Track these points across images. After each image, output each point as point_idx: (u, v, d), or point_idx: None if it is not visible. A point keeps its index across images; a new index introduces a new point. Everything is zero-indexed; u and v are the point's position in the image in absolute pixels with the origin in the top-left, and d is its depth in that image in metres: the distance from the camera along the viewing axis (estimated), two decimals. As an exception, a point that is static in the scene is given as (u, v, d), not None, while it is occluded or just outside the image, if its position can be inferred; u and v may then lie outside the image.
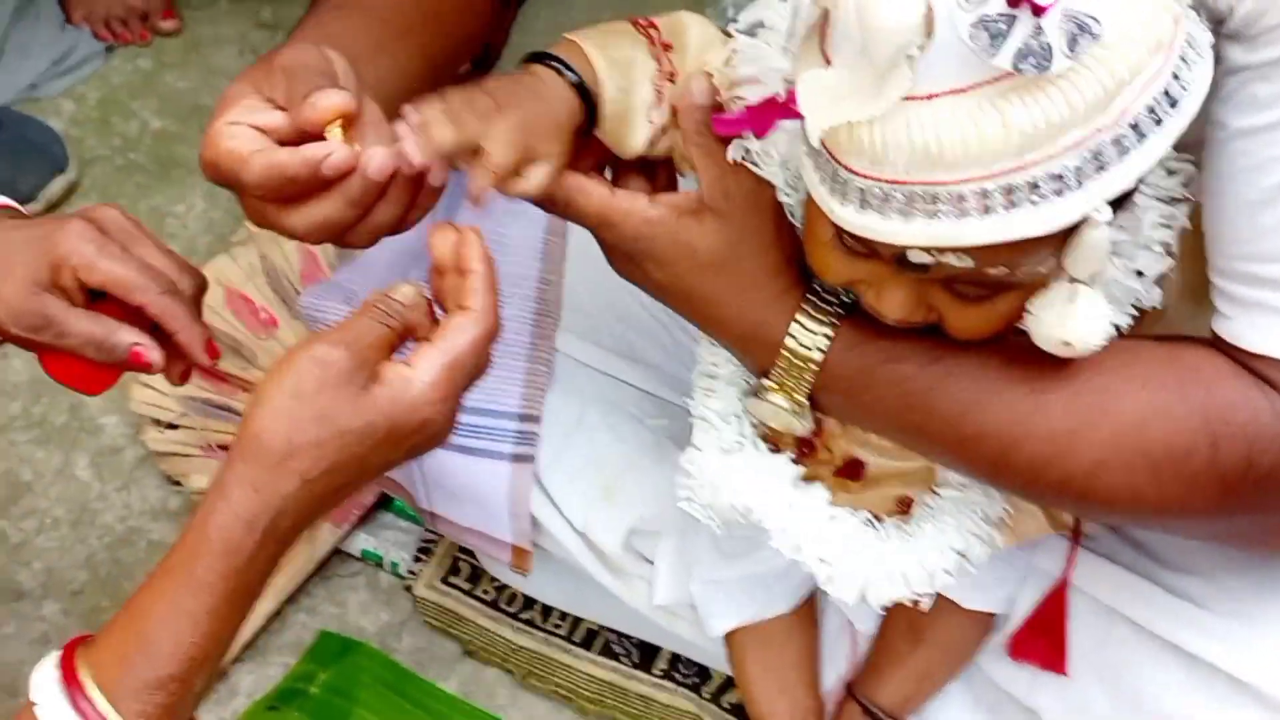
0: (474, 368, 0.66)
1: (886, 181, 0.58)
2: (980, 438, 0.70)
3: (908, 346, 0.71)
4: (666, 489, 0.84)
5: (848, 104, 0.57)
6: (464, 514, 1.02)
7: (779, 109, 0.66)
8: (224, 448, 1.33)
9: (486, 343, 0.66)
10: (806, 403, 0.74)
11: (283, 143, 0.66)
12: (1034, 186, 0.57)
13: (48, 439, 1.38)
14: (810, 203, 0.65)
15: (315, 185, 0.65)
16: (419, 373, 0.63)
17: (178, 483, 1.33)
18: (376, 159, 0.65)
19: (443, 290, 0.68)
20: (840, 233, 0.64)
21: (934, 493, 0.81)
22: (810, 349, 0.72)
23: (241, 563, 0.61)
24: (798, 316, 0.72)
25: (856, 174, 0.59)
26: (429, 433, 0.65)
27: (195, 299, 0.77)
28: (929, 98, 0.56)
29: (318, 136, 0.66)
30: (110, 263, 0.72)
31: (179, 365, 0.76)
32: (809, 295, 0.72)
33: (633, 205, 0.71)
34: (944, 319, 0.67)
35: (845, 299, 0.72)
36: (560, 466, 0.98)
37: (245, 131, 0.67)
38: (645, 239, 0.72)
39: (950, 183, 0.57)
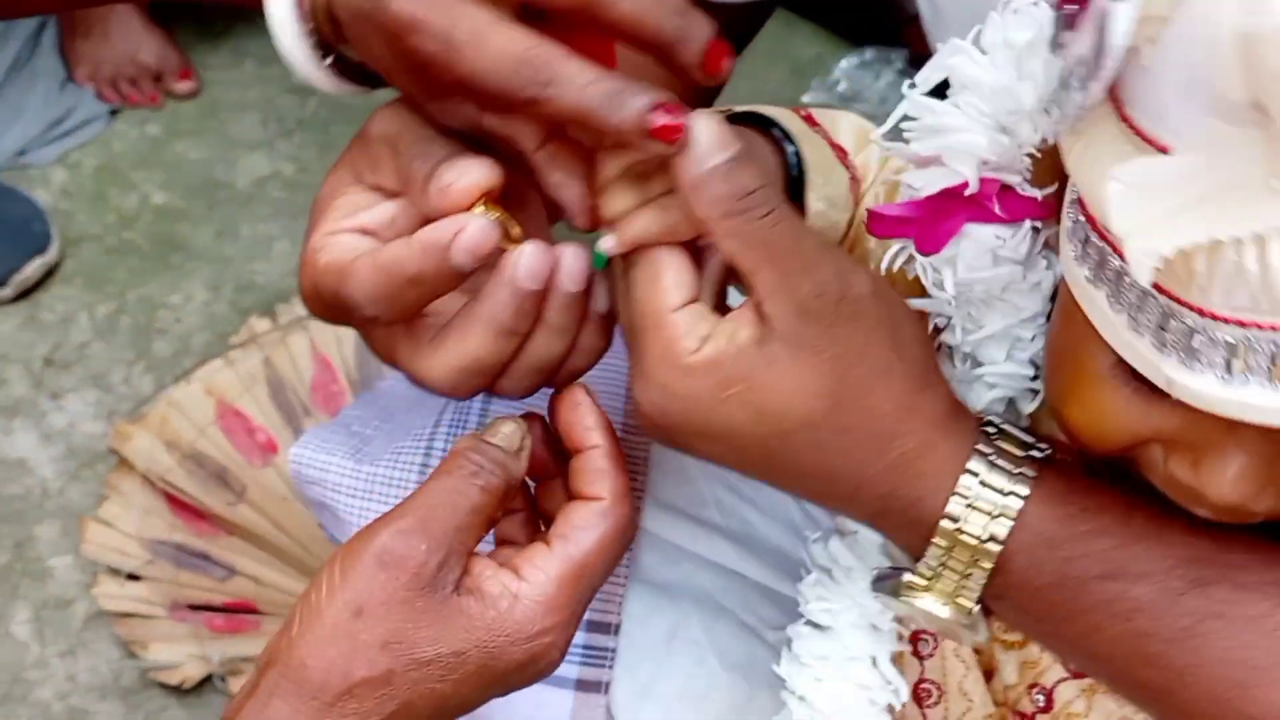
0: (601, 578, 0.50)
1: None
2: None
3: (1153, 539, 0.47)
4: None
5: (1218, 212, 0.34)
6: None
7: (967, 208, 0.47)
8: (198, 607, 1.04)
9: (619, 543, 0.51)
10: (976, 609, 0.50)
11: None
12: None
13: (-17, 582, 1.10)
14: (1068, 323, 0.44)
15: (448, 285, 0.47)
16: (532, 586, 0.48)
17: (134, 652, 1.04)
18: (528, 256, 0.46)
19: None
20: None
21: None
22: (980, 532, 0.48)
23: None
24: (963, 482, 0.48)
25: (1224, 320, 0.37)
26: (539, 667, 0.49)
27: None
28: None
29: None
30: None
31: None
32: (982, 442, 0.48)
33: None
34: None
35: (1036, 447, 0.49)
36: (644, 699, 0.69)
37: (349, 239, 0.49)
38: (673, 402, 0.47)
39: None
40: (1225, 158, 0.34)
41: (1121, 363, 0.42)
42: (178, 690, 1.03)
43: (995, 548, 0.47)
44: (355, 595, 0.47)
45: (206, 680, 1.04)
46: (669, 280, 0.47)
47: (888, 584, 0.52)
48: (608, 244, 0.48)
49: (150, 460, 1.10)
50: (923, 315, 0.51)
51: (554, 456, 0.52)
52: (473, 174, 0.47)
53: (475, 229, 0.45)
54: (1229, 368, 0.38)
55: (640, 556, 0.71)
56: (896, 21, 1.42)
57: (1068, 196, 0.43)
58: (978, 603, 0.50)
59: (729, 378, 0.46)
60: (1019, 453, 0.48)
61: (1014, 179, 0.49)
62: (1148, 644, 0.47)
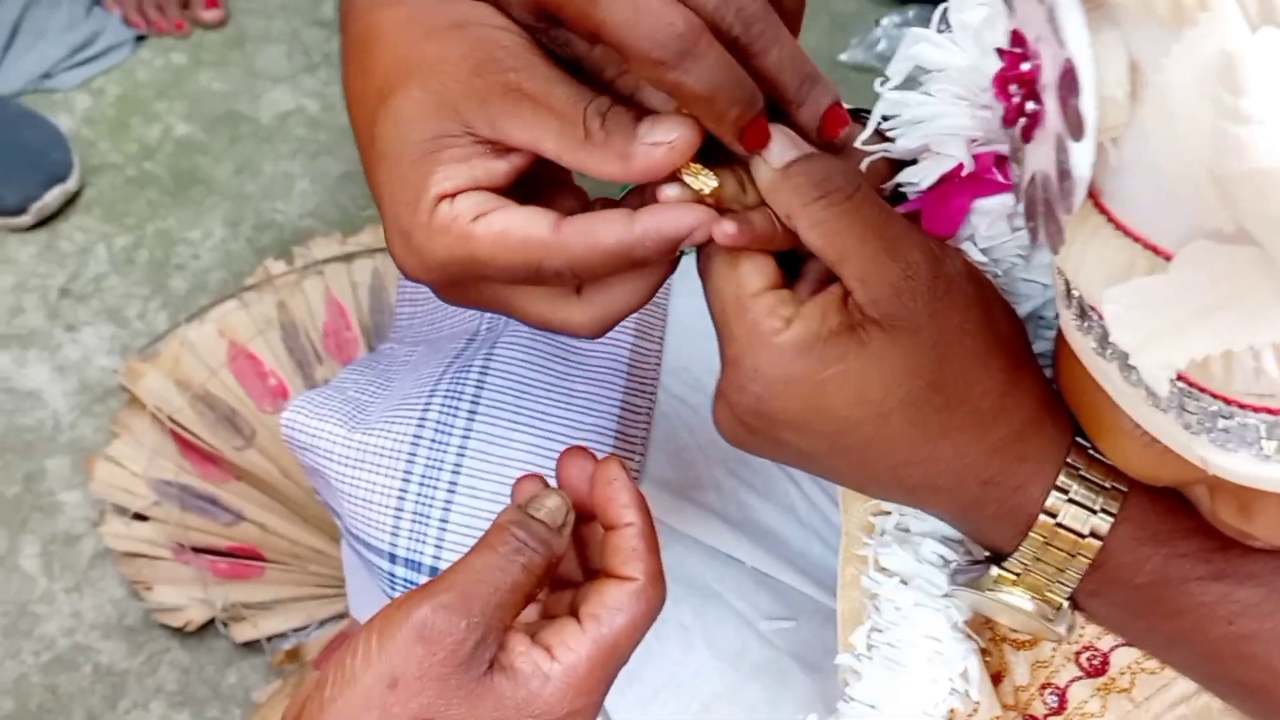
0: (628, 658, 0.50)
1: None
2: None
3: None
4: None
5: (1228, 323, 0.31)
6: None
7: (970, 186, 0.45)
8: (202, 550, 1.04)
9: (648, 625, 0.50)
10: (1066, 604, 0.49)
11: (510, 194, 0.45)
12: None
13: (-7, 514, 1.10)
14: (1081, 372, 0.40)
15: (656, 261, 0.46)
16: (564, 668, 0.47)
17: (138, 593, 1.04)
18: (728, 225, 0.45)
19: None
20: None
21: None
22: (1080, 527, 0.46)
23: None
24: (1063, 477, 0.46)
25: (1250, 408, 0.35)
26: None
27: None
28: None
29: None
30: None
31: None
32: (1079, 440, 0.46)
33: (769, 321, 0.45)
34: None
35: None
36: (630, 683, 0.67)
37: (468, 204, 0.44)
38: (769, 388, 0.45)
39: None
40: (1227, 272, 0.31)
41: None
42: (180, 632, 1.03)
43: (1095, 543, 0.46)
44: (391, 667, 0.46)
45: (209, 624, 1.04)
46: (746, 266, 0.46)
47: (969, 578, 0.50)
48: (724, 229, 0.45)
49: (160, 399, 1.09)
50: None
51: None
52: (686, 135, 0.44)
53: (730, 228, 0.45)
54: (1261, 448, 0.35)
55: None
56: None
57: (1054, 262, 0.40)
58: (1068, 598, 0.48)
59: (824, 359, 0.44)
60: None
61: (1005, 148, 0.46)
62: (1250, 645, 0.46)
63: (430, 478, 0.67)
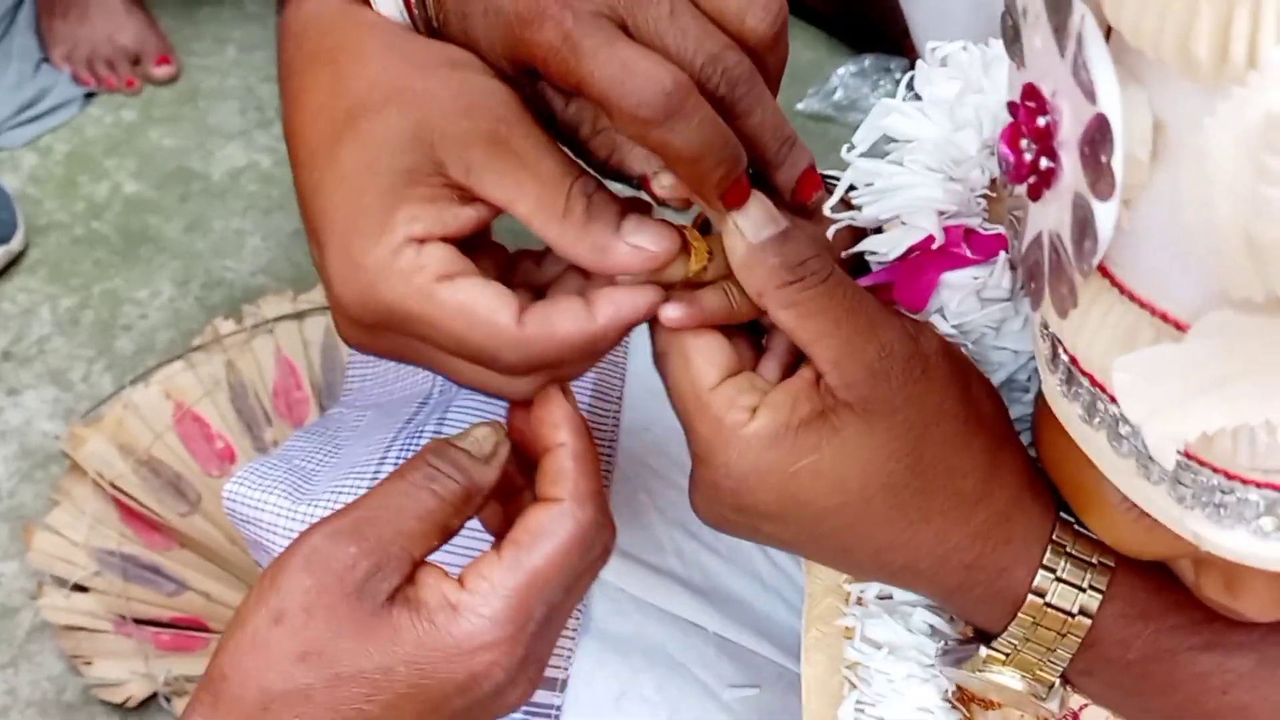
0: (565, 593, 0.45)
1: None
2: None
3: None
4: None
5: (1241, 394, 0.30)
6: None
7: (940, 259, 0.46)
8: (144, 622, 1.00)
9: (582, 553, 0.45)
10: (1057, 682, 0.47)
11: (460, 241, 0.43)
12: None
13: (-75, 586, 1.06)
14: (1062, 438, 0.39)
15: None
16: (475, 597, 0.43)
17: (78, 668, 1.00)
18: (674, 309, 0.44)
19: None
20: None
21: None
22: (1068, 605, 0.45)
23: None
24: (1049, 555, 0.45)
25: (1253, 483, 0.34)
26: (482, 691, 0.43)
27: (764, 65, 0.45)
28: None
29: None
30: (590, 59, 0.42)
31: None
32: (1063, 516, 0.46)
33: (733, 416, 0.44)
34: None
35: None
36: (591, 761, 0.64)
37: (434, 258, 0.42)
38: (742, 483, 0.44)
39: None
40: (1243, 344, 0.30)
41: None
42: (121, 708, 0.99)
43: (1085, 621, 0.45)
44: (279, 601, 0.42)
45: (151, 699, 0.99)
46: (699, 361, 0.44)
47: (956, 658, 0.49)
48: (670, 314, 0.44)
49: (103, 465, 1.06)
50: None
51: (522, 472, 0.48)
52: (669, 249, 0.44)
53: (675, 312, 0.44)
54: (1262, 525, 0.34)
55: (591, 607, 0.67)
56: (897, 30, 1.37)
57: (1038, 320, 0.39)
58: (1061, 676, 0.47)
59: (796, 450, 0.43)
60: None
61: (974, 221, 0.47)
62: (1246, 715, 0.45)
63: (378, 547, 0.64)
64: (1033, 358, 0.49)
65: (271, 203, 1.33)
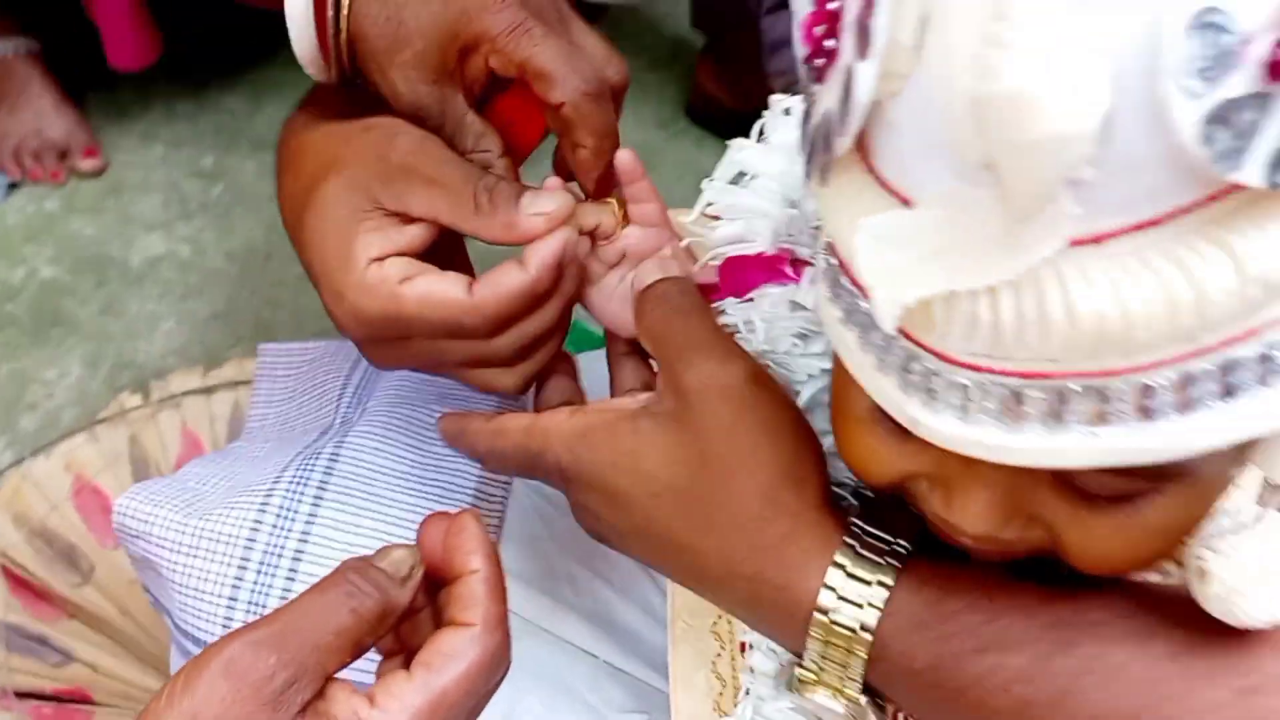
0: (468, 714, 0.47)
1: (1018, 375, 0.37)
2: None
3: (1016, 611, 0.47)
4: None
5: (955, 264, 0.35)
6: None
7: (765, 268, 0.55)
8: (26, 695, 0.96)
9: (487, 675, 0.47)
10: (862, 700, 0.50)
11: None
12: (1266, 361, 0.36)
13: None
14: (838, 368, 0.47)
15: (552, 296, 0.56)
16: (385, 715, 0.44)
17: (-50, 741, 0.95)
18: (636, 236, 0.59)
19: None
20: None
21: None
22: (851, 622, 0.48)
23: None
24: (830, 572, 0.49)
25: (960, 364, 0.38)
26: None
27: (618, 102, 0.60)
28: (1097, 240, 0.35)
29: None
30: (539, 45, 0.56)
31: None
32: (851, 528, 0.50)
33: (550, 419, 0.54)
34: (1057, 537, 0.45)
35: (898, 544, 0.50)
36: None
37: (393, 270, 0.54)
38: (572, 460, 0.53)
39: (1130, 370, 0.36)
40: (963, 214, 0.34)
41: (877, 405, 0.42)
42: (-6, 785, 0.94)
43: (868, 636, 0.48)
44: (193, 705, 0.42)
45: (27, 775, 0.95)
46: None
47: (785, 679, 0.52)
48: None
49: (-5, 535, 1.03)
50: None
51: (426, 589, 0.50)
52: (562, 207, 0.55)
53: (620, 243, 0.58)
54: (965, 409, 0.39)
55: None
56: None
57: (821, 239, 0.44)
58: (864, 693, 0.50)
59: (615, 433, 0.52)
60: (883, 545, 0.49)
61: (804, 251, 0.56)
62: (1031, 710, 0.47)
63: (269, 565, 0.64)
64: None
65: (188, 288, 1.34)
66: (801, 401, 0.54)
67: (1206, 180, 0.33)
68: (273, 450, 0.71)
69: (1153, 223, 0.35)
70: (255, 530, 0.64)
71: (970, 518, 0.45)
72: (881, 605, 0.48)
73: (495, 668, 0.47)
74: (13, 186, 1.44)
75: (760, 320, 0.55)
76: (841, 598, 0.48)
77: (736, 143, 0.58)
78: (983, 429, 0.39)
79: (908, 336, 0.39)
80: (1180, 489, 0.42)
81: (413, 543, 0.49)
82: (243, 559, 0.63)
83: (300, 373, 0.78)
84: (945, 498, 0.45)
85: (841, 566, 0.49)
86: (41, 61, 1.46)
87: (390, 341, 0.56)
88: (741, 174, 0.59)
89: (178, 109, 1.52)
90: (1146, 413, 0.37)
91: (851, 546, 0.49)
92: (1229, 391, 0.36)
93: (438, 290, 0.53)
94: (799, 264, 0.56)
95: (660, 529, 0.51)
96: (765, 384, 0.51)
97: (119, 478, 1.07)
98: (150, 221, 1.41)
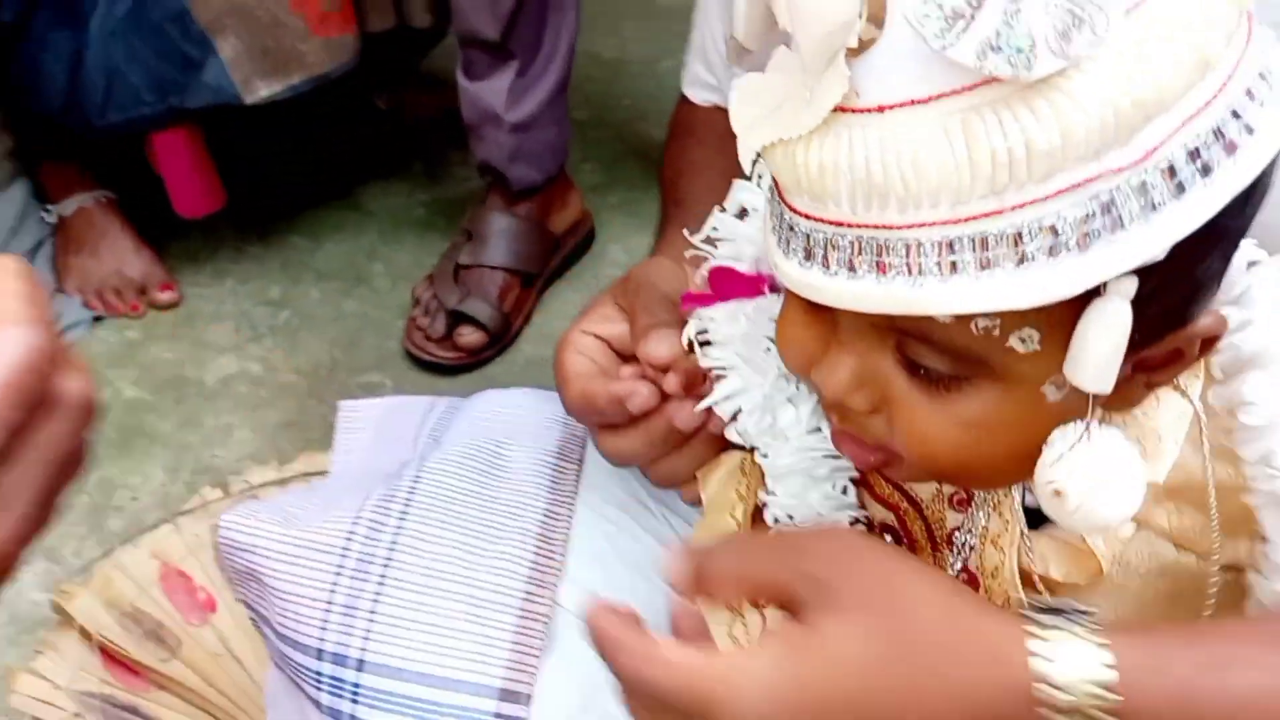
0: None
1: (830, 223, 0.47)
2: None
3: (1220, 636, 0.50)
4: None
5: (780, 115, 0.46)
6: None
7: (743, 282, 0.65)
8: (119, 761, 1.02)
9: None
10: None
11: (625, 356, 0.71)
12: (1018, 240, 0.44)
13: (-99, 739, 1.08)
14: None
15: (626, 416, 0.68)
16: None
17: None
18: (683, 413, 0.67)
19: None
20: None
21: None
22: (1087, 683, 0.48)
23: None
24: (1030, 644, 0.49)
25: (800, 214, 0.49)
26: None
27: None
28: (879, 110, 0.44)
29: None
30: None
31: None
32: (1029, 612, 0.50)
33: (683, 656, 0.52)
34: (892, 416, 0.53)
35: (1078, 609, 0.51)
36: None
37: (590, 344, 0.71)
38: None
39: (902, 227, 0.45)
40: (784, 76, 0.45)
41: (791, 294, 0.52)
42: (88, 847, 0.99)
43: (1114, 698, 0.47)
44: None
45: (119, 837, 1.00)
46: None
47: None
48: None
49: (89, 618, 1.10)
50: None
51: None
52: (661, 350, 0.67)
53: (641, 397, 0.67)
54: (807, 255, 0.48)
55: (557, 630, 0.73)
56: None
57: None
58: None
59: (800, 665, 0.49)
60: (1062, 608, 0.50)
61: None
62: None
63: (361, 570, 0.72)
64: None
65: (260, 400, 1.44)
66: (766, 388, 0.64)
67: (965, 72, 0.42)
68: (357, 481, 0.80)
69: (921, 101, 0.43)
70: (349, 539, 0.72)
71: (832, 382, 0.53)
72: (1113, 664, 0.47)
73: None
74: (97, 319, 1.57)
75: (744, 318, 0.65)
76: (1062, 657, 0.48)
77: (738, 184, 0.69)
78: (811, 273, 0.48)
79: (780, 196, 0.50)
80: (991, 386, 0.49)
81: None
82: (338, 565, 0.71)
83: (379, 422, 0.87)
84: (819, 369, 0.53)
85: (1036, 628, 0.49)
86: (118, 209, 1.61)
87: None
88: (744, 210, 0.70)
89: (247, 250, 1.66)
90: (918, 269, 0.45)
91: (1036, 612, 0.50)
92: (985, 265, 0.44)
93: (573, 357, 0.71)
94: (776, 289, 0.66)
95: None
96: (891, 558, 0.52)
97: (202, 562, 1.15)
98: (223, 345, 1.53)
